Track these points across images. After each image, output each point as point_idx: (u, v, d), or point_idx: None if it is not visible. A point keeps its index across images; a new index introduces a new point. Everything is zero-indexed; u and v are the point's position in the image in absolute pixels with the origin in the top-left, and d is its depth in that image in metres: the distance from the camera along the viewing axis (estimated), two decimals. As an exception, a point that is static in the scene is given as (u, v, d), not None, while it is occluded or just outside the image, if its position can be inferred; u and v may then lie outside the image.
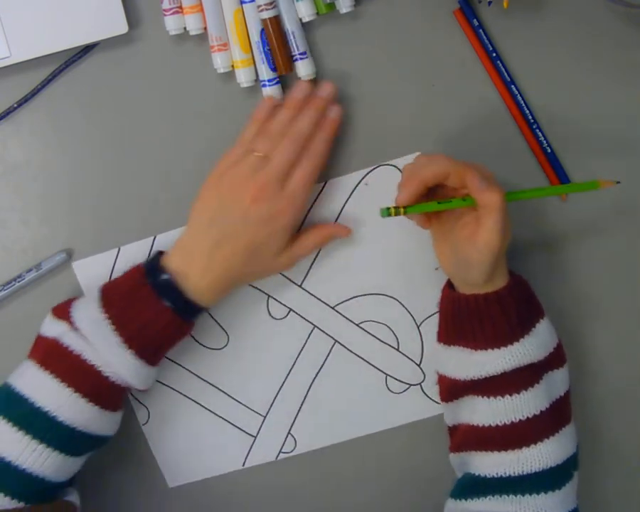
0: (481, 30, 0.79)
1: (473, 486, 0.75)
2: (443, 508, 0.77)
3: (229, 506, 0.87)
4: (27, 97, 0.81)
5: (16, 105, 0.81)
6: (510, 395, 0.73)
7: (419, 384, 0.84)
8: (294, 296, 0.84)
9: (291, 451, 0.86)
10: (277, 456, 0.86)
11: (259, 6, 0.78)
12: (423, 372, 0.84)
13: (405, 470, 0.87)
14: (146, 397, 0.85)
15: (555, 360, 0.76)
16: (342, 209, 0.82)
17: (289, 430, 0.86)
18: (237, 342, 0.84)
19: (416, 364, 0.84)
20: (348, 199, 0.82)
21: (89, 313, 0.74)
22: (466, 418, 0.77)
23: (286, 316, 0.84)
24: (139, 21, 0.80)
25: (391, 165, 0.82)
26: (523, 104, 0.80)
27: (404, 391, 0.85)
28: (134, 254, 0.82)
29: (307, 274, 0.83)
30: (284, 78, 0.81)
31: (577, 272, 0.84)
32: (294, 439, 0.86)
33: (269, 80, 0.79)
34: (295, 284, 0.84)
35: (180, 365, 0.85)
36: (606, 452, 0.86)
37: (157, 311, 0.73)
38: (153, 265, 0.75)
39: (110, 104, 0.82)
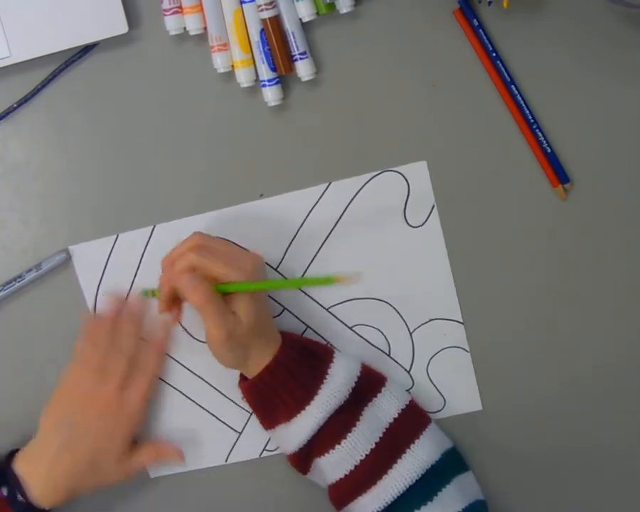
0: (481, 30, 0.79)
1: None
2: None
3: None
4: (27, 97, 0.81)
5: (15, 105, 0.81)
6: (333, 448, 0.76)
7: (408, 390, 0.84)
8: (289, 295, 0.83)
9: (276, 450, 0.85)
10: (261, 454, 0.86)
11: (259, 6, 0.78)
12: (412, 379, 0.84)
13: None
14: None
15: (366, 391, 0.77)
16: (343, 212, 0.82)
17: None
18: None
19: (405, 370, 0.84)
20: (350, 203, 0.82)
21: None
22: (323, 481, 0.79)
23: (280, 314, 0.84)
24: (139, 21, 0.80)
25: (396, 171, 0.82)
26: (523, 104, 0.80)
27: None
28: (132, 242, 0.83)
29: (304, 274, 0.83)
30: (284, 78, 0.81)
31: (577, 272, 0.84)
32: None
33: (269, 80, 0.79)
34: None
35: (169, 356, 0.84)
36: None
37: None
38: (5, 462, 0.79)
39: (110, 104, 0.82)
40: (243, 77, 0.80)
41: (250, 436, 0.85)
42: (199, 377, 0.85)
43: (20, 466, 0.79)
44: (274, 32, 0.78)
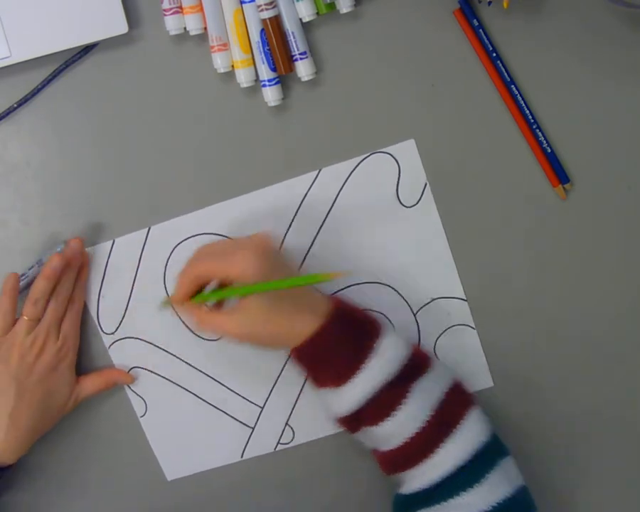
0: (481, 30, 0.79)
1: (402, 505, 0.76)
2: None
3: (227, 499, 0.87)
4: (27, 97, 0.81)
5: (15, 105, 0.81)
6: (382, 421, 0.74)
7: None
8: None
9: (290, 442, 0.86)
10: (275, 448, 0.86)
11: (259, 6, 0.78)
12: None
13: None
14: (143, 389, 0.85)
15: (415, 369, 0.75)
16: (337, 197, 0.82)
17: (287, 421, 0.86)
18: None
19: None
20: (342, 187, 0.82)
21: None
22: (371, 446, 0.78)
23: None
24: (139, 21, 0.80)
25: (386, 152, 0.81)
26: (523, 104, 0.80)
27: None
28: (128, 246, 0.83)
29: (303, 262, 0.83)
30: (284, 78, 0.81)
31: (577, 272, 0.84)
32: (292, 430, 0.86)
33: (269, 80, 0.79)
34: None
35: (177, 357, 0.85)
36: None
37: None
38: None
39: (110, 104, 0.82)
40: (243, 77, 0.80)
41: (264, 431, 0.86)
42: (207, 375, 0.85)
43: None
44: (274, 32, 0.78)
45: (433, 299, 0.83)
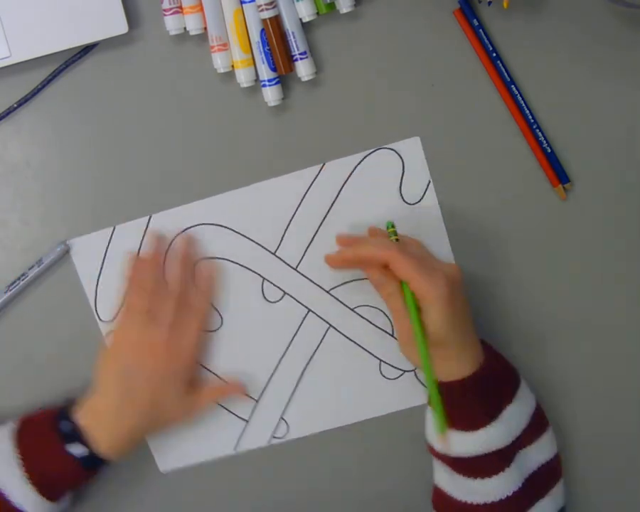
0: (481, 30, 0.79)
1: None
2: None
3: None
4: (27, 97, 0.81)
5: (15, 105, 0.81)
6: (482, 478, 0.75)
7: (414, 370, 0.84)
8: (288, 280, 0.83)
9: (284, 436, 0.86)
10: (269, 441, 0.86)
11: (259, 6, 0.78)
12: None
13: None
14: None
15: (527, 436, 0.77)
16: (339, 192, 0.82)
17: (282, 415, 0.85)
18: (231, 324, 0.84)
19: None
20: (345, 182, 0.82)
21: (1, 444, 0.77)
22: (443, 484, 0.79)
23: (280, 300, 0.84)
24: (139, 21, 0.80)
25: (389, 149, 0.81)
26: (523, 104, 0.80)
27: (398, 377, 0.84)
28: (129, 233, 0.83)
29: (302, 257, 0.83)
30: (284, 78, 0.81)
31: (577, 272, 0.84)
32: (287, 424, 0.86)
33: (269, 80, 0.79)
34: (290, 267, 0.83)
35: None
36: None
37: (62, 459, 0.77)
38: (64, 414, 0.78)
39: (110, 104, 0.82)
40: (243, 77, 0.80)
41: (258, 424, 0.85)
42: (203, 366, 0.84)
43: (83, 421, 0.77)
44: (274, 32, 0.78)
45: None
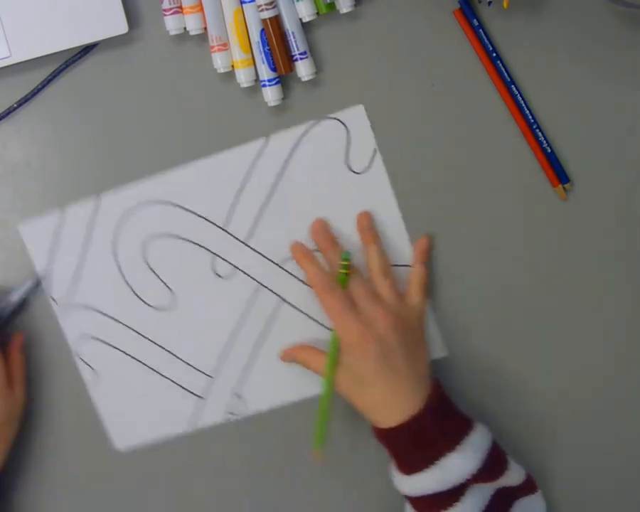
0: (481, 30, 0.79)
1: None
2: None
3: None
4: (27, 97, 0.81)
5: (15, 105, 0.81)
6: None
7: None
8: (239, 254, 0.83)
9: (240, 413, 0.85)
10: (226, 418, 0.85)
11: (259, 6, 0.78)
12: None
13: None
14: (92, 357, 0.84)
15: (477, 479, 0.76)
16: (286, 164, 0.81)
17: (238, 391, 0.85)
18: (182, 301, 0.83)
19: None
20: (291, 154, 0.81)
21: None
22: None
23: (231, 274, 0.83)
24: (139, 21, 0.80)
25: (334, 118, 0.81)
26: (523, 104, 0.80)
27: None
28: (81, 213, 0.82)
29: (253, 231, 0.83)
30: (284, 78, 0.81)
31: (577, 272, 0.84)
32: (243, 400, 0.85)
33: (269, 80, 0.79)
34: (240, 241, 0.83)
35: (127, 326, 0.84)
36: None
37: None
38: None
39: (110, 104, 0.81)
40: (243, 77, 0.80)
41: (213, 400, 0.85)
42: (156, 344, 0.84)
43: None
44: (274, 32, 0.78)
45: None
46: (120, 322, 0.84)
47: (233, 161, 0.82)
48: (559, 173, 0.82)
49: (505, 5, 0.76)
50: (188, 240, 0.83)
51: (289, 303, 0.84)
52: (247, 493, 0.86)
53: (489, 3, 0.78)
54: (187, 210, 0.83)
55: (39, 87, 0.81)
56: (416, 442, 0.75)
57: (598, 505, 0.87)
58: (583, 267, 0.84)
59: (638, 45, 0.80)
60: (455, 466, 0.74)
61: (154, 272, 0.83)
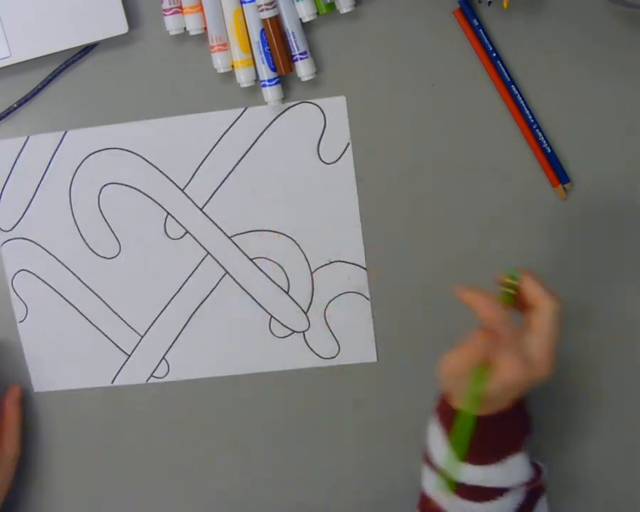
0: (481, 30, 0.79)
1: None
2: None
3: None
4: (27, 97, 0.81)
5: (15, 105, 0.81)
6: (481, 502, 0.73)
7: (303, 332, 0.83)
8: (192, 219, 0.82)
9: (163, 377, 0.85)
10: (148, 380, 0.85)
11: (259, 6, 0.78)
12: (309, 321, 0.83)
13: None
14: (27, 293, 0.84)
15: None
16: (257, 139, 0.81)
17: (164, 355, 0.85)
18: (128, 254, 0.83)
19: (303, 311, 0.83)
20: (264, 130, 0.81)
21: None
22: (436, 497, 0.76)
23: (181, 237, 0.83)
24: (139, 21, 0.80)
25: (313, 103, 0.81)
26: (523, 104, 0.80)
27: (287, 336, 0.84)
28: (41, 146, 0.82)
29: (210, 198, 0.82)
30: (284, 78, 0.81)
31: (576, 272, 0.84)
32: (168, 365, 0.85)
33: (269, 80, 0.79)
34: (197, 206, 0.82)
35: (66, 267, 0.84)
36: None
37: None
38: None
39: (110, 104, 0.82)
40: (243, 77, 0.80)
41: (138, 360, 0.84)
42: (93, 292, 0.84)
43: None
44: (274, 32, 0.78)
45: (332, 261, 0.82)
46: (61, 262, 0.83)
47: (206, 124, 0.81)
48: (559, 173, 0.82)
49: (505, 5, 0.76)
50: (144, 194, 0.82)
51: (232, 277, 0.83)
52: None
53: (489, 3, 0.78)
54: (150, 163, 0.82)
55: (39, 87, 0.81)
56: (500, 434, 0.73)
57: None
58: (583, 267, 0.84)
59: (638, 45, 0.80)
60: (518, 467, 0.74)
61: (105, 219, 0.82)
